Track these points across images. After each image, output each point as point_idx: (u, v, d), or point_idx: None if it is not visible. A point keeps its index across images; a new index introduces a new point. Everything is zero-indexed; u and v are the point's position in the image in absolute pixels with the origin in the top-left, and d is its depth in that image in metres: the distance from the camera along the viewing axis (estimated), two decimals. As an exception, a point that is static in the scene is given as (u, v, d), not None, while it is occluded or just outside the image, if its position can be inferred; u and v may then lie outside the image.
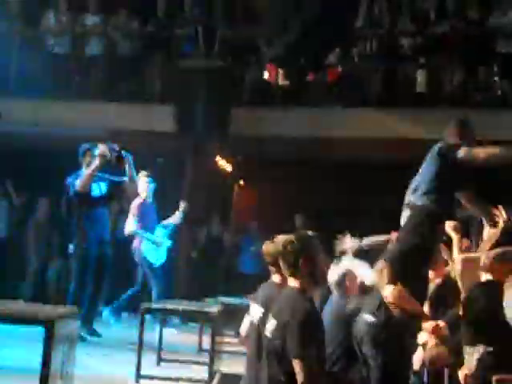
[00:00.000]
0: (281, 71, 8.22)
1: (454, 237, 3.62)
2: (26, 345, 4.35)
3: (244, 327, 3.59)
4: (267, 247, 3.27)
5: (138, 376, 4.25)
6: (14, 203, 8.75)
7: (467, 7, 8.19)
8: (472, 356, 2.79)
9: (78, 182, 5.90)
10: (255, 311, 3.23)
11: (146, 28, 8.78)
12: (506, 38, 7.77)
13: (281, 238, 2.97)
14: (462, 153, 3.16)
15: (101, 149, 5.89)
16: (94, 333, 5.98)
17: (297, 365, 2.47)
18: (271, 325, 2.76)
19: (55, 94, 8.41)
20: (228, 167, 9.50)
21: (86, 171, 5.94)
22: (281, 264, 2.92)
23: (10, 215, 8.75)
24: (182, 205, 6.76)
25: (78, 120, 7.93)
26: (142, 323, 4.46)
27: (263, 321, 3.00)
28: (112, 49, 8.92)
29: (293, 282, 2.83)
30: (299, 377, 2.45)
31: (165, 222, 6.82)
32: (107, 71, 8.67)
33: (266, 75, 8.34)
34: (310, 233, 3.16)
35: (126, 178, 6.11)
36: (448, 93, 7.94)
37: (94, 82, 8.78)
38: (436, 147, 3.29)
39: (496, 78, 7.98)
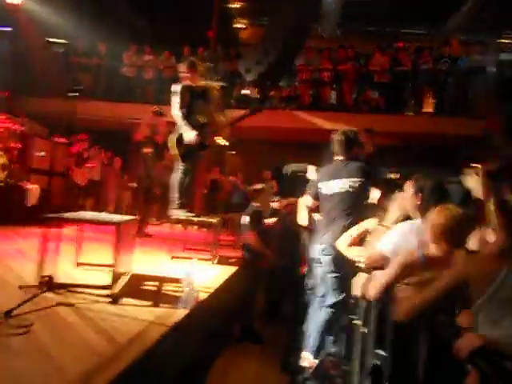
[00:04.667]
0: (254, 89, 10.61)
1: None
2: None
3: None
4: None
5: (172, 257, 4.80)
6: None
7: (359, 57, 10.68)
8: None
9: None
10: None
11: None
12: (379, 73, 10.19)
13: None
14: None
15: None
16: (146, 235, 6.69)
17: None
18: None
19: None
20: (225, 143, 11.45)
21: None
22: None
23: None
24: None
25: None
26: (173, 227, 5.50)
27: None
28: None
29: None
30: None
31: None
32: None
33: (245, 91, 10.49)
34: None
35: None
36: (348, 104, 10.35)
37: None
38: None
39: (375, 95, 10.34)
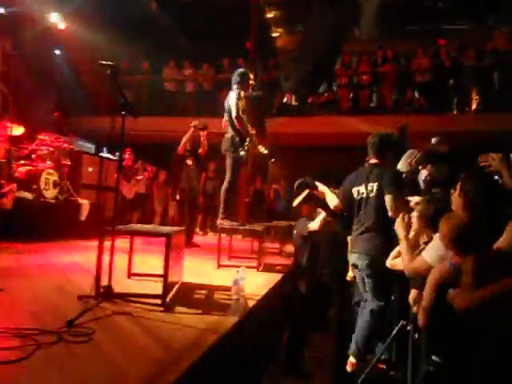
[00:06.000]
0: (293, 96, 10.95)
1: None
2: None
3: None
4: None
5: (218, 266, 4.91)
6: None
7: (399, 57, 10.48)
8: None
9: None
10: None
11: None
12: (420, 73, 10.18)
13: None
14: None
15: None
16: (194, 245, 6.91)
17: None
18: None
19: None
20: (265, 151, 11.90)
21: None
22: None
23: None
24: None
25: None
26: (219, 236, 5.16)
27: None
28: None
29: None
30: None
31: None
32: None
33: (285, 99, 10.91)
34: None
35: None
36: (389, 106, 10.27)
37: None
38: None
39: (416, 95, 10.20)
